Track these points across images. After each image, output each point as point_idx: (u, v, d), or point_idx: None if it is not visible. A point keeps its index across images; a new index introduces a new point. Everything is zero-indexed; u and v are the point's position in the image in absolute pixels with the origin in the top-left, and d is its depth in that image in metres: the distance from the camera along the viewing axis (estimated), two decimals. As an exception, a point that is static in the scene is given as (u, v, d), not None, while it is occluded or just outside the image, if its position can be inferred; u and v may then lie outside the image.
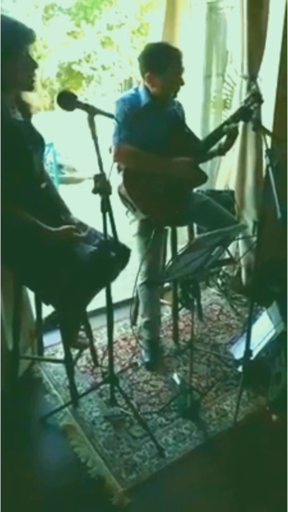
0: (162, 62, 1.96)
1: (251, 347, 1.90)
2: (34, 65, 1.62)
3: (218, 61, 2.81)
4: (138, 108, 2.03)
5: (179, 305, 2.45)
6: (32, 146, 1.72)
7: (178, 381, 2.05)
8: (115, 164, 1.99)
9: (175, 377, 2.08)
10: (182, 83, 2.03)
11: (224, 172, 2.76)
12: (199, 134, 2.27)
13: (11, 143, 1.58)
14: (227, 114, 2.65)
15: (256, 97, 2.12)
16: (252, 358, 1.97)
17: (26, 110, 1.73)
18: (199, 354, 2.31)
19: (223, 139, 2.08)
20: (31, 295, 2.09)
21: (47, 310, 2.02)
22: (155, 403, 2.02)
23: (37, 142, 1.77)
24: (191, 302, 2.36)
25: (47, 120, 7.78)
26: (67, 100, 1.49)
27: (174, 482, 1.68)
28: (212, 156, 2.22)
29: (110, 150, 2.01)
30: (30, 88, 1.66)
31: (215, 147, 2.12)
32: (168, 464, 1.74)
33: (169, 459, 1.76)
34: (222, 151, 2.12)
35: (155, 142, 2.03)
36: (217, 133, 2.08)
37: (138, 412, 1.93)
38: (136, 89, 2.09)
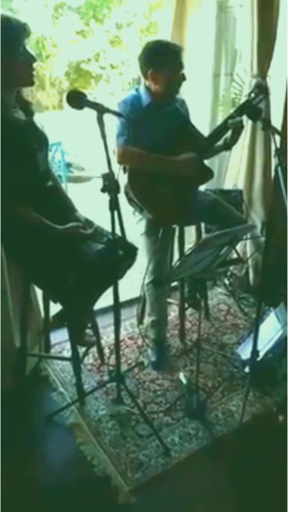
0: (164, 58, 1.95)
1: (258, 348, 1.90)
2: (33, 59, 1.62)
3: (227, 60, 2.80)
4: (141, 108, 2.03)
5: (186, 305, 2.45)
6: (36, 145, 1.73)
7: (184, 381, 2.04)
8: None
9: (182, 376, 2.08)
10: (184, 79, 2.02)
11: (233, 172, 2.75)
12: (207, 133, 2.26)
13: (14, 142, 1.59)
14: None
15: (260, 89, 2.11)
16: (259, 358, 1.96)
17: (28, 108, 1.74)
18: (206, 354, 2.31)
19: (229, 134, 2.07)
20: (39, 292, 2.11)
21: (55, 308, 2.03)
22: (161, 402, 2.02)
23: (41, 141, 1.77)
24: (198, 302, 2.36)
25: (56, 119, 7.81)
26: (76, 99, 1.49)
27: (180, 481, 1.68)
28: (219, 151, 2.19)
29: (114, 152, 2.00)
30: (31, 83, 1.66)
31: (220, 142, 2.11)
32: (174, 464, 1.74)
33: (175, 459, 1.76)
34: (228, 145, 2.11)
35: (159, 141, 2.02)
36: (222, 127, 2.07)
37: (144, 411, 1.94)
38: (137, 90, 2.08)
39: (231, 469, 1.72)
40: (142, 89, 2.06)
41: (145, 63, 2.00)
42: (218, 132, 2.10)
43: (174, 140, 2.08)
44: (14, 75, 1.59)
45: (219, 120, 2.83)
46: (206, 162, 2.20)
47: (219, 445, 1.82)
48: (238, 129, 2.05)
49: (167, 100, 2.07)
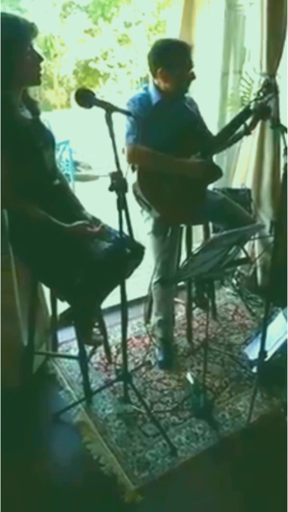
0: (174, 56, 1.95)
1: (266, 348, 1.88)
2: (40, 59, 1.62)
3: (236, 58, 2.79)
4: (150, 107, 2.01)
5: (193, 305, 2.44)
6: (43, 144, 1.73)
7: (191, 381, 2.04)
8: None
9: (189, 376, 2.07)
10: (194, 77, 2.01)
11: (241, 171, 2.74)
12: (215, 131, 2.24)
13: (20, 141, 1.59)
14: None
15: (269, 88, 2.09)
16: (266, 359, 1.95)
17: (34, 107, 1.74)
18: (213, 354, 2.30)
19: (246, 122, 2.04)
20: (46, 291, 2.11)
21: (62, 306, 2.04)
22: (168, 401, 2.02)
23: (47, 140, 1.77)
24: (205, 302, 2.35)
25: (64, 118, 7.83)
26: (85, 97, 1.48)
27: (186, 481, 1.67)
28: (241, 137, 2.14)
29: (123, 151, 1.99)
30: (38, 82, 1.67)
31: (241, 129, 2.08)
32: (181, 463, 1.74)
33: (181, 458, 1.75)
34: (248, 130, 2.08)
35: (168, 140, 2.01)
36: (240, 117, 2.04)
37: (151, 410, 1.93)
38: (146, 88, 2.07)
39: (237, 470, 1.72)
40: (151, 88, 2.05)
41: (154, 61, 1.99)
42: (231, 126, 2.07)
43: (183, 139, 2.07)
44: (21, 74, 1.59)
45: (227, 118, 2.81)
46: (213, 161, 2.19)
47: (226, 445, 1.81)
48: (264, 111, 1.99)
49: (176, 98, 2.07)
